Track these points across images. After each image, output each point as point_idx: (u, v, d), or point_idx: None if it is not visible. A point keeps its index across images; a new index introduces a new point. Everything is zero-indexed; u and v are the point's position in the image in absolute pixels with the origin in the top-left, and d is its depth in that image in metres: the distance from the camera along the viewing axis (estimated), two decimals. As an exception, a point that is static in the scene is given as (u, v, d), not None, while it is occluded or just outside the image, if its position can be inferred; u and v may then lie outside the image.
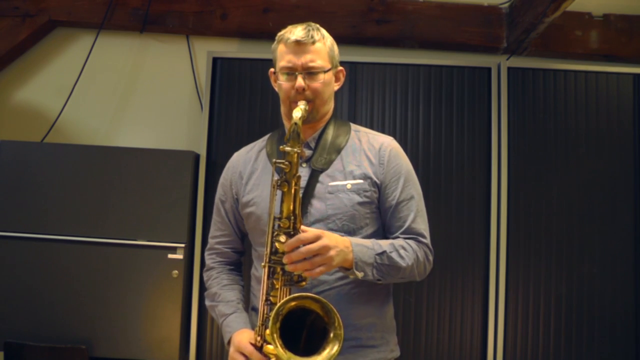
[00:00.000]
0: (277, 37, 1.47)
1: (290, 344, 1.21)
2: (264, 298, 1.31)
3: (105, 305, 2.45)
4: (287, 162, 1.28)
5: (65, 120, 2.86)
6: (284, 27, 1.47)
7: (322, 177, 1.43)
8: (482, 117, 2.60)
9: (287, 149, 1.28)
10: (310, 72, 1.41)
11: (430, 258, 1.47)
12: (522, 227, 2.54)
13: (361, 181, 1.43)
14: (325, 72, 1.43)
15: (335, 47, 1.50)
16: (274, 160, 1.31)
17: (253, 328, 1.38)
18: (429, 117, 2.61)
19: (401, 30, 2.81)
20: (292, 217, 1.28)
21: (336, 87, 1.53)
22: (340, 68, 1.53)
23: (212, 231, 1.62)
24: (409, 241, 1.42)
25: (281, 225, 1.28)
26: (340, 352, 1.21)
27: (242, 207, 1.51)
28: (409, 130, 2.60)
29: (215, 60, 2.64)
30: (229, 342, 1.42)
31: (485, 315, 2.51)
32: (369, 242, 1.36)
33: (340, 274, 1.39)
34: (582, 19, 2.83)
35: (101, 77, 2.88)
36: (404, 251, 1.38)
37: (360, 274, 1.32)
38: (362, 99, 2.62)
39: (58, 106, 2.84)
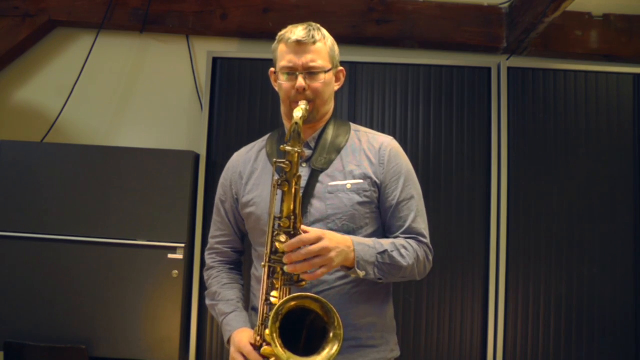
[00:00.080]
0: (277, 37, 1.47)
1: (290, 344, 1.21)
2: (264, 298, 1.31)
3: (105, 305, 2.45)
4: (287, 162, 1.28)
5: (65, 120, 2.86)
6: (284, 27, 1.47)
7: (322, 177, 1.43)
8: (482, 117, 2.60)
9: (288, 148, 1.28)
10: (311, 72, 1.41)
11: (430, 258, 1.47)
12: (522, 227, 2.54)
13: (361, 181, 1.43)
14: (326, 72, 1.43)
15: (336, 47, 1.50)
16: (274, 160, 1.31)
17: (253, 328, 1.38)
18: (429, 117, 2.61)
19: (401, 30, 2.81)
20: (293, 217, 1.28)
21: (336, 87, 1.53)
22: (341, 68, 1.53)
23: (212, 231, 1.62)
24: (410, 241, 1.42)
25: (281, 225, 1.29)
26: (340, 352, 1.21)
27: (242, 207, 1.51)
28: (409, 130, 2.60)
29: (215, 60, 2.64)
30: (228, 341, 1.42)
31: (485, 315, 2.51)
32: (371, 241, 1.36)
33: (340, 274, 1.39)
34: (582, 19, 2.83)
35: (101, 77, 2.88)
36: (405, 250, 1.39)
37: (362, 273, 1.32)
38: (362, 99, 2.62)
39: (58, 106, 2.84)
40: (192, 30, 2.84)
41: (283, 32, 1.46)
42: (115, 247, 2.45)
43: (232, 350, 1.37)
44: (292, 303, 1.23)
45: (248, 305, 1.55)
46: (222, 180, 1.61)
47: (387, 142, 1.50)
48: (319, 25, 1.47)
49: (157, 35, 2.89)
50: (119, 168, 2.50)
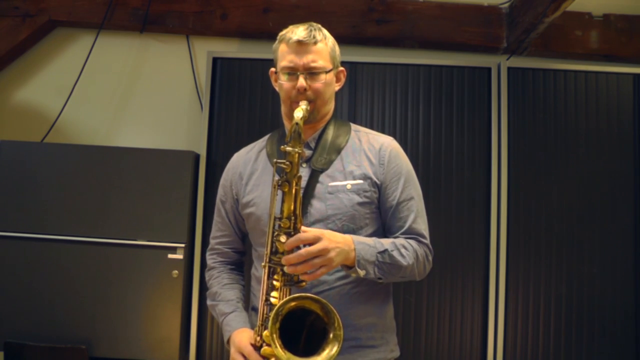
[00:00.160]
0: (278, 37, 1.47)
1: (289, 345, 1.21)
2: (264, 298, 1.31)
3: (105, 305, 2.45)
4: (288, 162, 1.28)
5: (65, 120, 2.86)
6: (284, 27, 1.47)
7: (322, 177, 1.43)
8: (482, 117, 2.60)
9: (288, 149, 1.28)
10: (311, 72, 1.41)
11: (430, 258, 1.47)
12: (522, 227, 2.54)
13: (361, 181, 1.43)
14: (326, 72, 1.43)
15: (337, 47, 1.50)
16: (274, 160, 1.31)
17: (253, 328, 1.38)
18: (429, 117, 2.61)
19: (401, 30, 2.81)
20: (293, 218, 1.29)
21: (337, 87, 1.53)
22: (341, 68, 1.53)
23: (213, 232, 1.63)
24: (410, 241, 1.42)
25: (282, 225, 1.29)
26: (340, 352, 1.21)
27: (242, 208, 1.51)
28: (409, 130, 2.60)
29: (215, 60, 2.64)
30: (228, 341, 1.42)
31: (485, 315, 2.51)
32: (371, 241, 1.36)
33: (340, 274, 1.39)
34: (582, 19, 2.83)
35: (101, 77, 2.88)
36: (405, 250, 1.39)
37: (362, 272, 1.32)
38: (362, 99, 2.62)
39: (58, 106, 2.84)
40: (192, 30, 2.84)
41: (284, 32, 1.46)
42: (115, 247, 2.45)
43: (232, 350, 1.37)
44: (292, 303, 1.22)
45: (248, 305, 1.55)
46: (222, 180, 1.61)
47: (387, 143, 1.50)
48: (319, 26, 1.47)
49: (157, 35, 2.89)
50: (119, 168, 2.50)
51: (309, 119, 1.39)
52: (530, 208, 2.55)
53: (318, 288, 1.37)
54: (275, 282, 1.30)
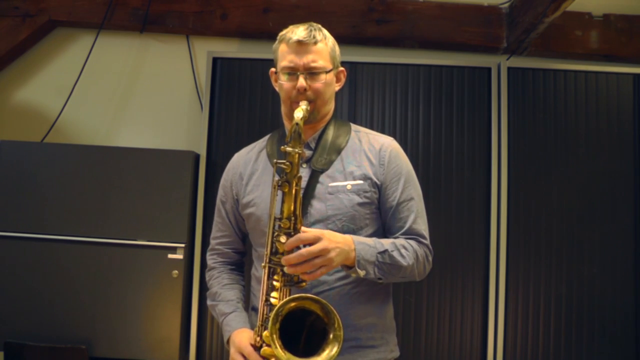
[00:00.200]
0: (278, 37, 1.47)
1: (289, 345, 1.21)
2: (264, 298, 1.31)
3: (105, 305, 2.45)
4: (288, 163, 1.28)
5: (65, 120, 2.86)
6: (284, 27, 1.47)
7: (322, 178, 1.43)
8: (482, 117, 2.60)
9: (289, 149, 1.28)
10: (311, 73, 1.41)
11: (430, 258, 1.47)
12: (522, 227, 2.54)
13: (361, 182, 1.43)
14: (326, 72, 1.43)
15: (337, 47, 1.50)
16: (275, 160, 1.31)
17: (253, 328, 1.38)
18: (429, 117, 2.61)
19: (401, 30, 2.81)
20: (293, 218, 1.28)
21: (337, 87, 1.53)
22: (342, 68, 1.53)
23: (213, 232, 1.63)
24: (410, 241, 1.42)
25: (282, 225, 1.29)
26: (340, 353, 1.21)
27: (243, 208, 1.51)
28: (409, 130, 2.60)
29: (215, 60, 2.64)
30: (228, 341, 1.42)
31: (485, 315, 2.51)
32: (371, 241, 1.36)
33: (340, 275, 1.39)
34: (582, 19, 2.83)
35: (101, 77, 2.88)
36: (405, 250, 1.39)
37: (362, 272, 1.32)
38: (362, 99, 2.62)
39: (58, 106, 2.84)
40: (192, 30, 2.84)
41: (284, 32, 1.46)
42: (115, 247, 2.45)
43: (232, 350, 1.37)
44: (292, 304, 1.22)
45: (248, 305, 1.55)
46: (222, 181, 1.61)
47: (388, 143, 1.50)
48: (319, 26, 1.47)
49: (157, 35, 2.89)
50: (119, 168, 2.50)
51: (309, 119, 1.39)
52: (530, 208, 2.55)
53: (318, 288, 1.37)
54: (275, 283, 1.30)
